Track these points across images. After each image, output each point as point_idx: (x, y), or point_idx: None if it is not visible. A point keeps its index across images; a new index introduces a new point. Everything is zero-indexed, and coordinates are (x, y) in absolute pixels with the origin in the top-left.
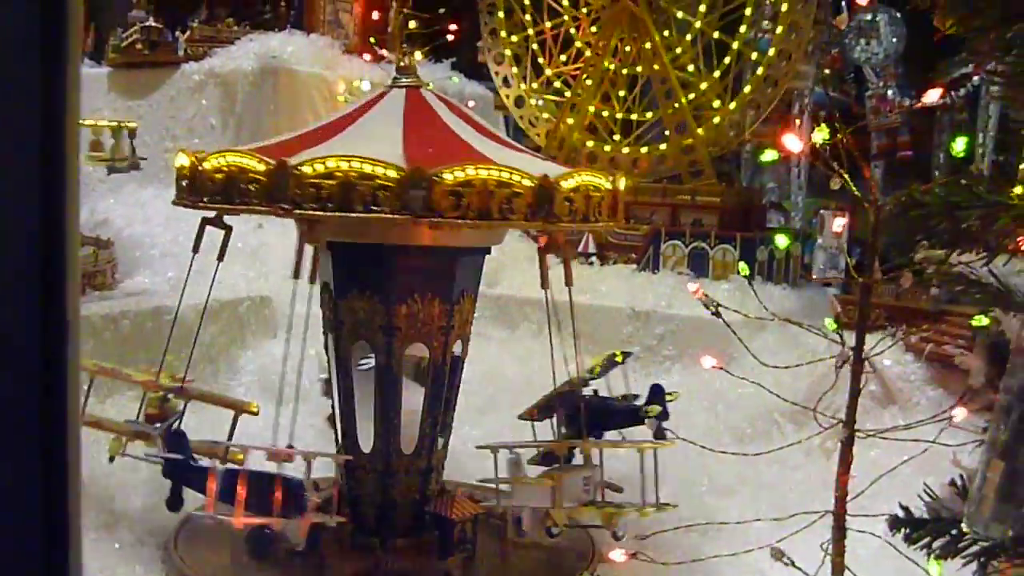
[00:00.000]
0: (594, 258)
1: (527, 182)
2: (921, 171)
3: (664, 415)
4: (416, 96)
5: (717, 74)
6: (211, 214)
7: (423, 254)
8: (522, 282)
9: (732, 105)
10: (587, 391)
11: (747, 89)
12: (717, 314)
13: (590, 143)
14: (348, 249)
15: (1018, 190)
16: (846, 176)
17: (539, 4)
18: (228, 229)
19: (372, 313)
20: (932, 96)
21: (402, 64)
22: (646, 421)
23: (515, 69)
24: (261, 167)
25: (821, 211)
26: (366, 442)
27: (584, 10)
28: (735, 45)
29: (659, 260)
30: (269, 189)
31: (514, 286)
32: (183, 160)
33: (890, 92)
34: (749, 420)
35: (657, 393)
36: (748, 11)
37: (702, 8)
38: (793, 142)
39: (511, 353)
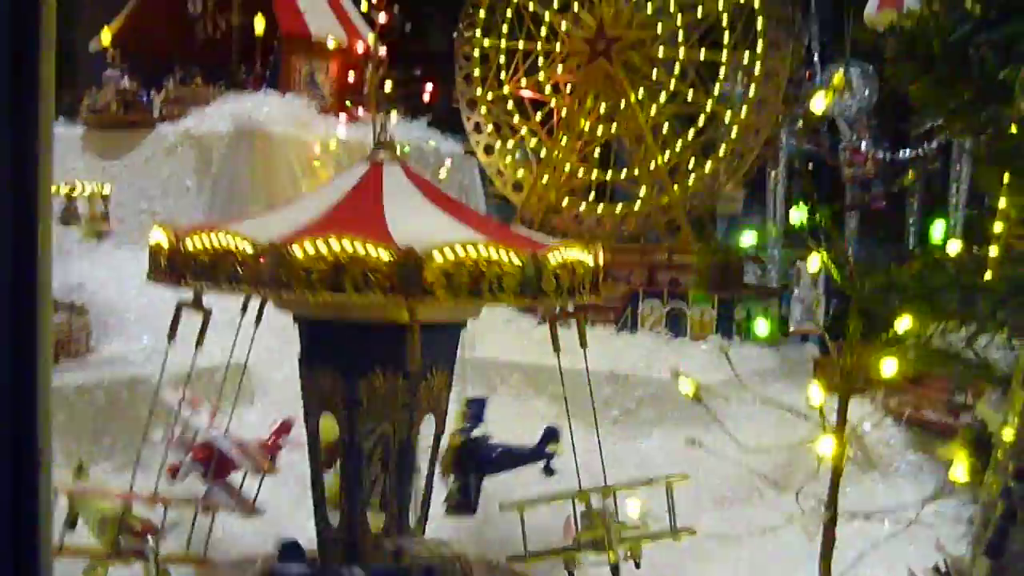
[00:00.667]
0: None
1: (591, 263)
2: (895, 220)
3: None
4: (412, 173)
5: (692, 133)
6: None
7: (439, 329)
8: (500, 345)
9: (708, 165)
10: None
11: (723, 147)
12: (698, 398)
13: (565, 202)
14: (369, 329)
15: (992, 256)
16: (824, 255)
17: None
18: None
19: (395, 390)
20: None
21: (382, 139)
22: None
23: (477, 72)
24: (386, 256)
25: (797, 262)
26: (376, 520)
27: (558, 45)
28: (709, 105)
29: (637, 320)
30: (398, 278)
31: (492, 349)
32: (244, 246)
33: (863, 144)
34: (731, 484)
35: (551, 435)
36: (722, 72)
37: (676, 69)
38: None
39: (489, 417)
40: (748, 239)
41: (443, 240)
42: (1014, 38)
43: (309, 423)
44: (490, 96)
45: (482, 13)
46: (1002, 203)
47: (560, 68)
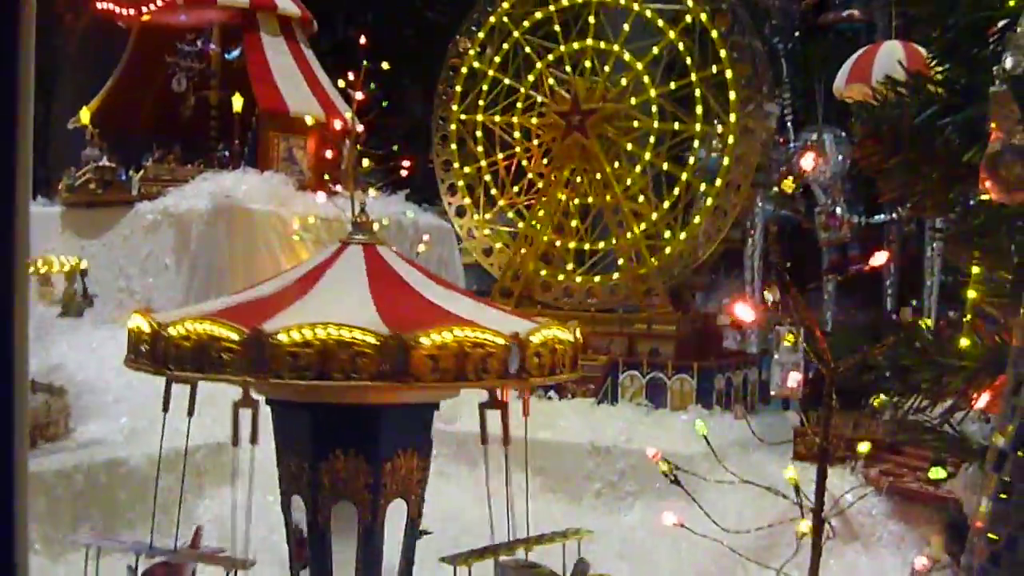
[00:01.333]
0: (553, 391)
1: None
2: (872, 283)
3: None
4: (403, 256)
5: (667, 204)
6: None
7: (409, 410)
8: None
9: (683, 235)
10: None
11: (696, 220)
12: (676, 481)
13: (544, 272)
14: (396, 410)
15: (965, 343)
16: (800, 336)
17: (491, 136)
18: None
19: (414, 469)
20: (879, 258)
21: (361, 219)
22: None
23: (468, 200)
24: (502, 340)
25: (776, 327)
26: None
27: (535, 142)
28: (684, 176)
29: (618, 391)
30: (510, 362)
31: (472, 422)
32: (367, 338)
33: (838, 209)
34: (713, 558)
35: None
36: (696, 143)
37: (651, 140)
38: (744, 311)
39: (472, 492)
40: (725, 318)
41: (536, 324)
42: (977, 121)
43: (321, 513)
44: (487, 217)
45: (453, 147)
46: (975, 270)
47: (545, 161)
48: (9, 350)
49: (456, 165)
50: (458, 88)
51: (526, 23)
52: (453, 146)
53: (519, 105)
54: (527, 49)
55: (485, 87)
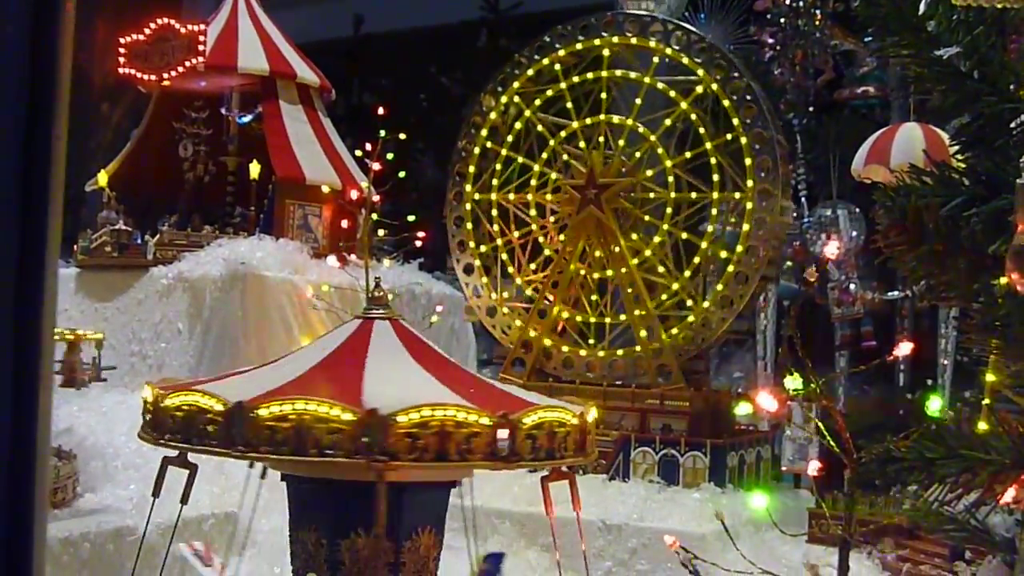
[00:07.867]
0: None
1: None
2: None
3: None
4: (402, 328)
5: (687, 274)
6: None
7: (427, 488)
8: (491, 492)
9: (705, 303)
10: None
11: (720, 287)
12: (696, 573)
13: (565, 348)
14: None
15: (985, 428)
16: (823, 427)
17: (506, 215)
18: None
19: (431, 547)
20: (904, 349)
21: (375, 294)
22: None
23: (485, 279)
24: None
25: (789, 403)
26: None
27: (552, 219)
28: (704, 244)
29: (629, 468)
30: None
31: (483, 496)
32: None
33: (852, 285)
34: None
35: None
36: (714, 211)
37: (668, 210)
38: (767, 400)
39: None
40: (743, 409)
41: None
42: (1002, 213)
43: None
44: (505, 295)
45: (468, 226)
46: (990, 377)
47: (561, 237)
48: (33, 418)
49: (472, 244)
50: (471, 168)
51: (537, 101)
52: (469, 225)
53: (533, 183)
54: (539, 127)
55: (499, 166)
